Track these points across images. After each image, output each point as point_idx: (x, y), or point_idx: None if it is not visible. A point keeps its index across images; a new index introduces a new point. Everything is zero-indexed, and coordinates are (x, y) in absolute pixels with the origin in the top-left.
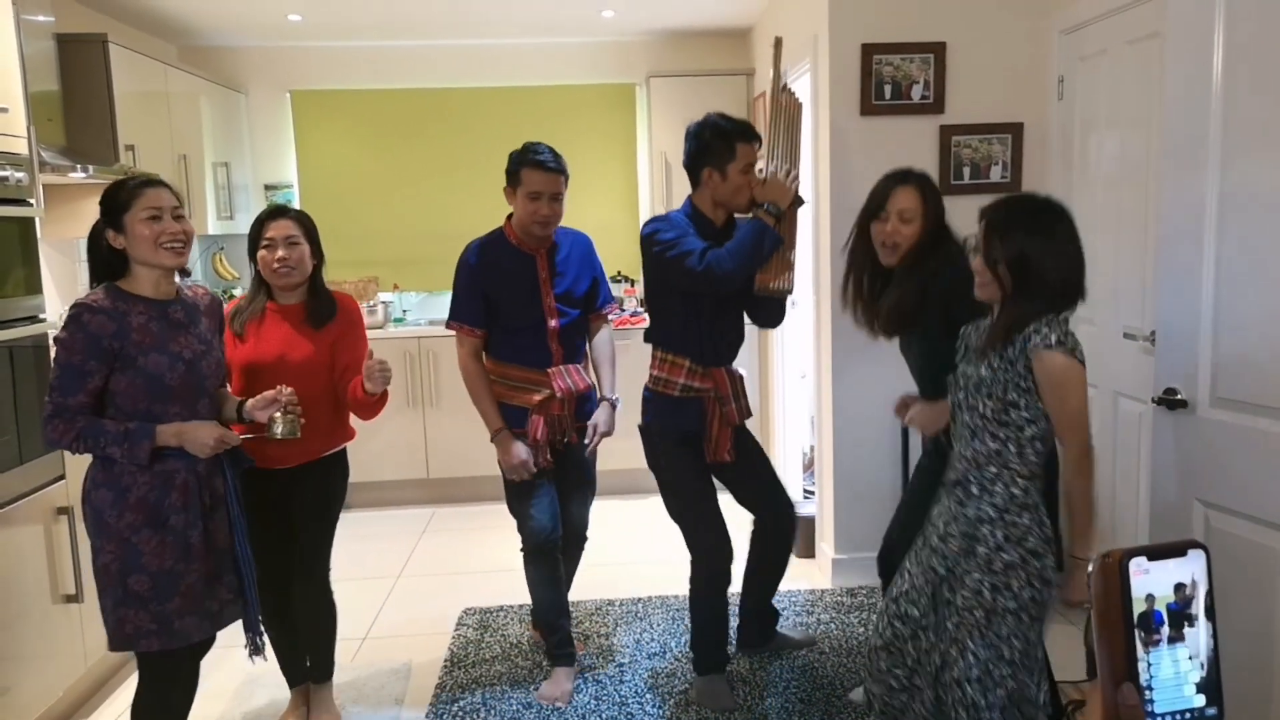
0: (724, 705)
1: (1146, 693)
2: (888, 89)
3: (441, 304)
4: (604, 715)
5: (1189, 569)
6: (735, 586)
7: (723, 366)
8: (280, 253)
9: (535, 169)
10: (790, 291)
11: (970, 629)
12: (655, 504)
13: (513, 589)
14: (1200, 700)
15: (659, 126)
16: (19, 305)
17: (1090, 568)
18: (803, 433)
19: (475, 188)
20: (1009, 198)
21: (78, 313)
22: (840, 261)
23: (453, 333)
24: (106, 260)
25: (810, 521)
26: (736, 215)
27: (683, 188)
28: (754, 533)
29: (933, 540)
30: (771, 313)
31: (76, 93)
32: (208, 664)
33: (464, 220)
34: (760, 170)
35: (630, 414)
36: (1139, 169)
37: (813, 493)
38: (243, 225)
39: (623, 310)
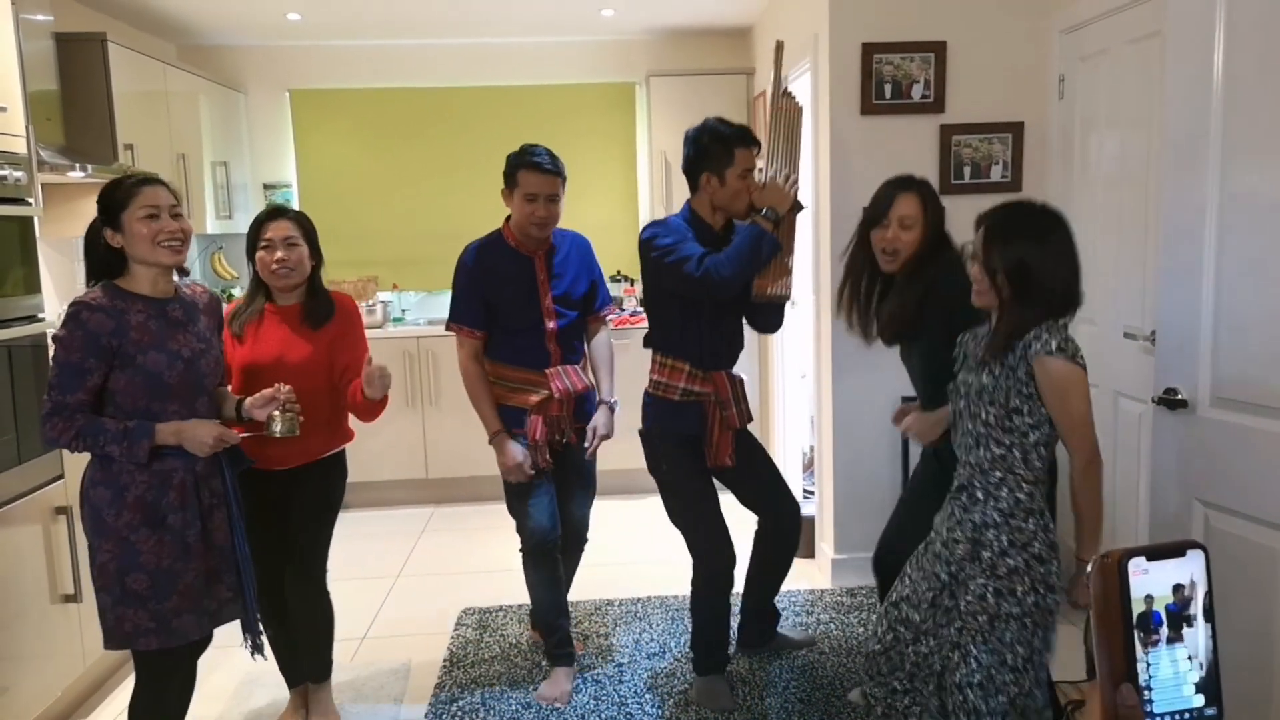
0: (723, 705)
1: (1145, 693)
2: (888, 88)
3: (441, 303)
4: (603, 715)
5: (1188, 569)
6: (737, 587)
7: (723, 370)
8: (279, 254)
9: (532, 171)
10: (788, 297)
11: (974, 634)
12: (655, 504)
13: (512, 589)
14: (1199, 700)
15: (659, 125)
16: (17, 304)
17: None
18: (803, 433)
19: (474, 187)
20: (1006, 205)
21: (76, 311)
22: (840, 262)
23: (453, 334)
24: (104, 259)
25: (810, 521)
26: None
27: (682, 186)
28: (757, 533)
29: (936, 546)
30: (770, 318)
31: (75, 92)
32: (207, 664)
33: (463, 219)
34: (761, 170)
35: (629, 414)
36: (1139, 169)
37: (812, 493)
38: (241, 224)
39: (622, 310)
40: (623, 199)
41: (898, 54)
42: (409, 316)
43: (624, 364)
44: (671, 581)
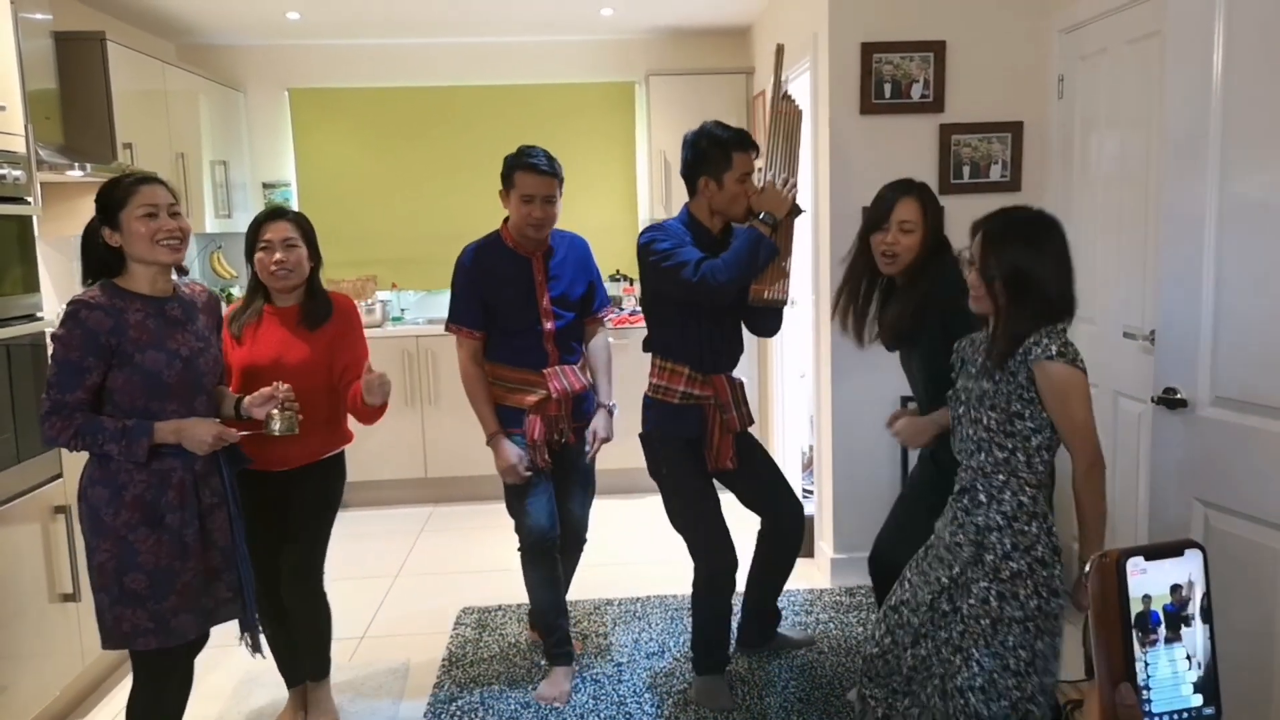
0: (723, 705)
1: (1144, 692)
2: (887, 88)
3: (440, 303)
4: (602, 715)
5: (1186, 569)
6: (738, 588)
7: (722, 373)
8: (278, 255)
9: (528, 172)
10: (786, 302)
11: (976, 637)
12: (654, 504)
13: (511, 588)
14: (1198, 700)
15: (658, 125)
16: (16, 303)
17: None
18: (802, 433)
19: (473, 186)
20: (1002, 211)
21: (75, 309)
22: (840, 264)
23: (452, 334)
24: (103, 258)
25: (809, 521)
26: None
27: (682, 185)
28: (760, 534)
29: (938, 550)
30: (767, 322)
31: (74, 91)
32: (207, 664)
33: (462, 219)
34: (759, 170)
35: (629, 414)
36: (1139, 169)
37: (812, 492)
38: (241, 224)
39: (621, 309)
40: (622, 198)
41: (897, 53)
42: (408, 316)
43: (624, 364)
44: (671, 581)
